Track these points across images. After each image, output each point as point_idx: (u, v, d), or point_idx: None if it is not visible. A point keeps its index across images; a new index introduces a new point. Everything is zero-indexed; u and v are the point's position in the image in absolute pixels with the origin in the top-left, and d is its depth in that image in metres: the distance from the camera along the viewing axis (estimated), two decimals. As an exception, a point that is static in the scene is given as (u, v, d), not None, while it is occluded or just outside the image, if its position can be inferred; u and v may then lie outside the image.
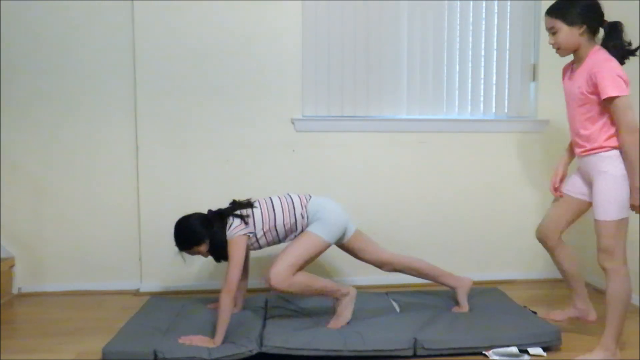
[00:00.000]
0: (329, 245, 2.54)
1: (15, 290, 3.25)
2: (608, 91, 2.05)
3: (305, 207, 2.58)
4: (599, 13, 2.18)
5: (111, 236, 3.29)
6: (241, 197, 2.71)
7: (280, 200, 2.60)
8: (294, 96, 3.28)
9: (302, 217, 2.57)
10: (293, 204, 2.58)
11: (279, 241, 2.64)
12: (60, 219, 3.26)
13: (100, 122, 3.23)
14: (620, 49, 2.15)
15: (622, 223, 2.16)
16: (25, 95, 3.19)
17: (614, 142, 2.14)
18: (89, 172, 3.25)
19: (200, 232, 2.52)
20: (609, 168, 2.15)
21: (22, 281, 3.27)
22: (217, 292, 2.40)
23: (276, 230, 2.57)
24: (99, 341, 2.38)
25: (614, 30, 2.17)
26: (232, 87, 3.23)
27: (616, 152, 2.14)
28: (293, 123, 3.28)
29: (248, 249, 2.57)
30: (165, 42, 3.18)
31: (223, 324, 2.29)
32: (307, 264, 2.49)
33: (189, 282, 3.27)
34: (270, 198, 2.63)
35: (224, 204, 2.68)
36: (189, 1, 3.17)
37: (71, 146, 3.23)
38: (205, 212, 2.61)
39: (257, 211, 2.54)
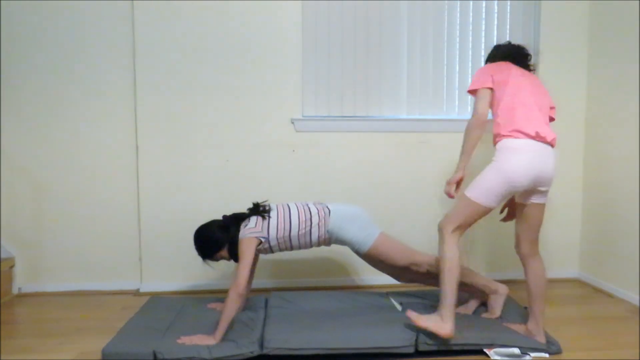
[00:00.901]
0: (380, 234, 2.63)
1: (15, 290, 3.25)
2: (470, 87, 2.41)
3: (324, 219, 2.60)
4: (492, 53, 2.57)
5: (111, 236, 3.29)
6: (241, 197, 2.73)
7: (298, 211, 2.62)
8: (294, 96, 3.28)
9: (319, 229, 2.59)
10: (311, 217, 2.60)
11: (291, 249, 2.66)
12: (60, 219, 3.26)
13: (100, 122, 3.23)
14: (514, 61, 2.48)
15: (475, 207, 2.28)
16: (25, 96, 3.19)
17: (497, 137, 2.32)
18: (89, 172, 3.25)
19: (220, 238, 2.57)
20: (494, 158, 2.30)
21: (22, 281, 3.27)
22: (217, 292, 2.41)
23: (290, 239, 2.60)
24: (99, 341, 2.39)
25: (499, 55, 2.53)
26: (232, 87, 3.24)
27: (499, 145, 2.29)
28: (293, 123, 3.28)
29: (259, 252, 2.60)
30: (165, 42, 3.18)
31: (225, 321, 2.30)
32: (403, 248, 2.68)
33: (189, 282, 3.27)
34: (289, 206, 2.64)
35: (224, 203, 2.69)
36: (189, 1, 3.17)
37: (71, 146, 3.23)
38: (210, 216, 2.64)
39: (272, 220, 2.57)
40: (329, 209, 2.65)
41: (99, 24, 3.18)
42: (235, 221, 2.60)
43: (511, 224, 2.54)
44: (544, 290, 2.38)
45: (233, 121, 3.25)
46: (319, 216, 2.61)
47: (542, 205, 2.37)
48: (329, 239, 2.67)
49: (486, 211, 2.30)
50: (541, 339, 2.35)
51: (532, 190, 2.31)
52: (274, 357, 2.24)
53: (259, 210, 2.61)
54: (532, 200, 2.35)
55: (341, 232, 2.61)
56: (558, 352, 2.34)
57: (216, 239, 2.57)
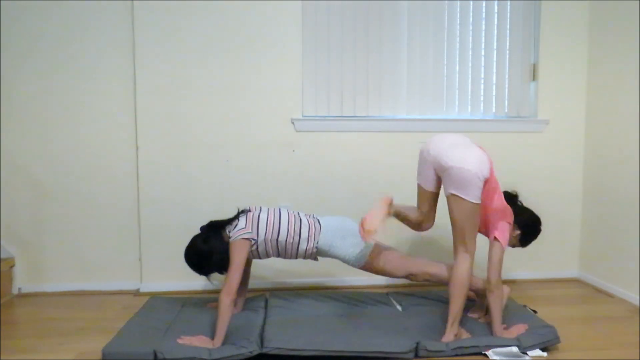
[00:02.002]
0: (374, 250, 2.59)
1: (15, 290, 3.25)
2: None
3: (315, 233, 2.55)
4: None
5: (111, 236, 3.29)
6: (241, 197, 2.73)
7: (289, 218, 2.57)
8: (294, 96, 3.28)
9: (307, 242, 2.54)
10: (300, 227, 2.56)
11: (278, 255, 2.62)
12: (60, 219, 3.26)
13: (100, 122, 3.23)
14: None
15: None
16: (25, 95, 3.19)
17: None
18: (89, 172, 3.25)
19: (208, 249, 2.50)
20: None
21: (22, 281, 3.27)
22: (217, 292, 2.40)
23: (277, 244, 2.55)
24: (99, 341, 2.39)
25: None
26: (232, 87, 3.24)
27: None
28: (293, 123, 3.28)
29: (250, 255, 2.55)
30: (165, 42, 3.18)
31: (222, 326, 2.29)
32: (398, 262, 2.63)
33: (189, 282, 3.26)
34: (280, 211, 2.61)
35: (224, 203, 2.69)
36: (188, 1, 3.17)
37: (71, 146, 3.23)
38: (210, 216, 2.61)
39: (262, 221, 2.52)
40: (320, 224, 2.59)
41: (99, 24, 3.18)
42: (212, 229, 2.54)
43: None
44: (460, 294, 2.35)
45: (233, 121, 3.25)
46: (309, 229, 2.56)
47: (452, 199, 2.32)
48: (316, 254, 2.62)
49: (423, 193, 2.54)
50: (447, 338, 2.34)
51: (441, 173, 2.39)
52: (273, 357, 2.24)
53: (244, 211, 2.56)
54: (447, 191, 2.37)
55: (332, 249, 2.57)
56: (555, 339, 2.35)
57: (205, 252, 2.51)
